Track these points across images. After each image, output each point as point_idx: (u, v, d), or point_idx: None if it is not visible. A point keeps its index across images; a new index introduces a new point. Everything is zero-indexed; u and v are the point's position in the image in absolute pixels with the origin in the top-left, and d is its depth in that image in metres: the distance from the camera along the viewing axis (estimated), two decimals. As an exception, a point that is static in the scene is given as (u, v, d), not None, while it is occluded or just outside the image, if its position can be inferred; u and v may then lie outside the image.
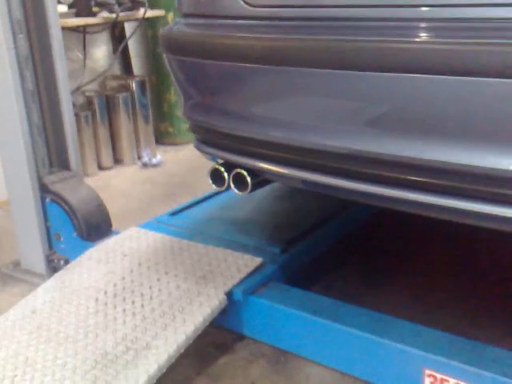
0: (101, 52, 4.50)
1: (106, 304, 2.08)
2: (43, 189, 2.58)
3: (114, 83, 4.47)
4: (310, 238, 2.50)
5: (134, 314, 2.01)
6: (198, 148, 2.09)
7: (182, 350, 1.86)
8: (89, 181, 2.79)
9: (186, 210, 2.81)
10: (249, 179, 1.95)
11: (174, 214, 2.76)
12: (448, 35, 1.36)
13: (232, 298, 2.07)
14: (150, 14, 4.33)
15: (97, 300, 2.12)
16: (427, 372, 1.74)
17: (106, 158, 4.31)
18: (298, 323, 2.00)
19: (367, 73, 1.44)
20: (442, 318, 2.13)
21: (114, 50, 4.52)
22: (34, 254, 2.68)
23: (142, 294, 2.10)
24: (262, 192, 2.50)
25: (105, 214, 2.61)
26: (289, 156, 1.77)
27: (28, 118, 2.48)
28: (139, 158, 4.45)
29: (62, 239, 2.63)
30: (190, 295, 2.06)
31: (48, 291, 2.22)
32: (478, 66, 1.29)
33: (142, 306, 2.04)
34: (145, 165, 4.36)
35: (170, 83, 4.62)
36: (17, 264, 2.79)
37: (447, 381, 1.71)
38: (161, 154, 4.50)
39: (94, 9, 3.99)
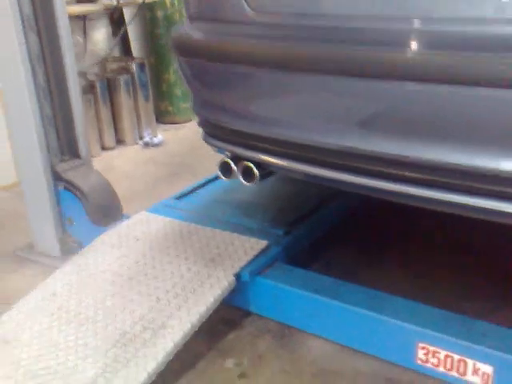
0: (100, 35, 4.52)
1: (121, 286, 2.16)
2: (56, 176, 2.67)
3: (114, 65, 4.51)
4: (313, 219, 2.56)
5: (149, 295, 2.10)
6: (205, 140, 2.17)
7: (196, 329, 1.96)
8: (93, 162, 2.88)
9: (191, 194, 2.89)
10: (256, 171, 2.01)
11: (179, 197, 2.84)
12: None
13: (240, 279, 2.17)
14: (149, -3, 4.33)
15: (113, 283, 2.20)
16: (420, 345, 1.86)
17: (109, 138, 4.36)
18: (300, 301, 2.11)
19: (364, 78, 1.54)
20: (437, 294, 2.20)
21: (114, 33, 4.54)
22: (47, 237, 2.78)
23: (155, 277, 2.19)
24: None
25: (115, 199, 2.71)
26: (290, 151, 1.85)
27: (40, 111, 2.56)
28: (141, 138, 4.49)
29: (74, 223, 2.74)
30: (200, 277, 2.15)
31: (65, 274, 2.30)
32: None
33: (157, 287, 2.13)
34: (146, 144, 4.41)
35: (169, 63, 4.70)
36: (31, 247, 2.90)
37: (438, 352, 1.83)
38: (161, 134, 4.55)
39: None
